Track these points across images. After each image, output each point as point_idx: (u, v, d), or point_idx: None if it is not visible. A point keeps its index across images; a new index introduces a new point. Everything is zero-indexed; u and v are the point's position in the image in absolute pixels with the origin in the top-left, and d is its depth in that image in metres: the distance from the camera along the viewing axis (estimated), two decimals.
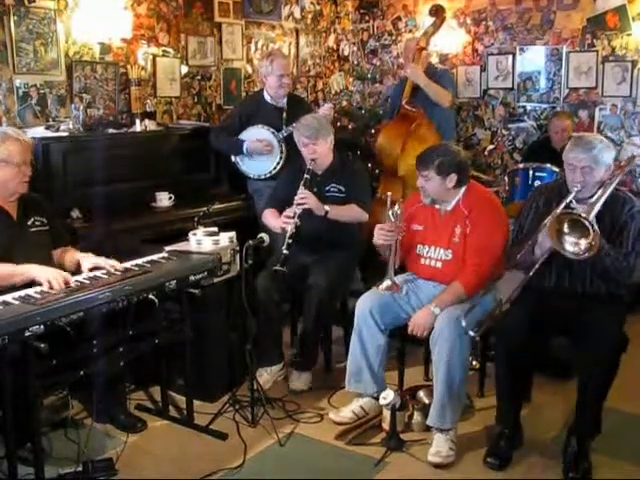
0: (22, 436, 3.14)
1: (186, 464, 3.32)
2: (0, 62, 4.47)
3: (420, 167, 3.57)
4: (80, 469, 3.17)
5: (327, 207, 4.06)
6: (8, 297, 2.92)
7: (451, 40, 6.45)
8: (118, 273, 3.29)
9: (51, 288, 3.02)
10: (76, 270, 3.40)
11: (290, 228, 3.95)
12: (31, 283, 3.10)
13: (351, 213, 4.17)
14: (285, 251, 3.92)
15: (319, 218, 4.09)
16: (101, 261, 3.39)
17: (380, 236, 3.59)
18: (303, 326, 4.03)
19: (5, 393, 2.87)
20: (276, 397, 3.91)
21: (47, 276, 3.07)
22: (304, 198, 4.00)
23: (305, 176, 4.08)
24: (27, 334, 2.68)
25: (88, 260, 3.42)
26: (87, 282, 3.16)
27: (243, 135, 4.89)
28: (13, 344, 2.66)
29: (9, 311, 2.76)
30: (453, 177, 3.53)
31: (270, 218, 4.29)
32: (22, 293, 2.98)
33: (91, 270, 3.34)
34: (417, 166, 3.59)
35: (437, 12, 5.31)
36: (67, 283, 3.07)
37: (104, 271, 3.31)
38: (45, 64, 4.72)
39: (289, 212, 4.02)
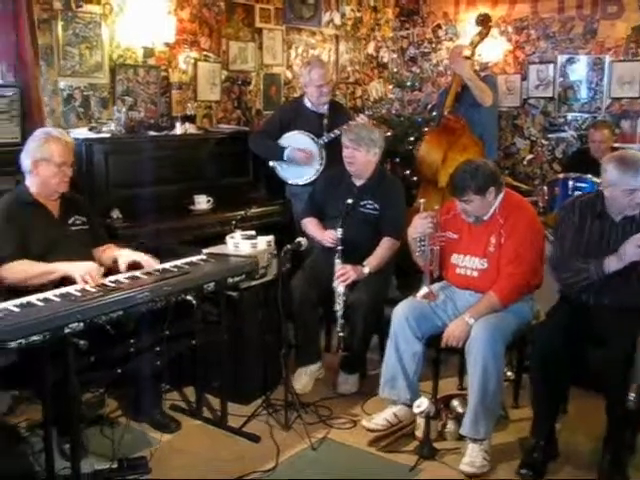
0: (61, 431, 3.22)
1: (219, 465, 3.35)
2: (47, 65, 4.56)
3: (457, 194, 3.53)
4: (115, 466, 3.22)
5: (366, 269, 4.07)
6: (49, 294, 2.98)
7: (492, 48, 6.42)
8: (157, 273, 3.34)
9: (85, 283, 3.08)
10: (114, 267, 3.46)
11: (339, 308, 3.97)
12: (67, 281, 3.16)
13: (386, 253, 4.16)
14: (341, 333, 3.96)
15: (359, 228, 4.13)
16: (138, 257, 3.45)
17: (418, 227, 3.63)
18: (351, 336, 4.03)
19: (45, 388, 2.93)
20: (309, 402, 3.93)
21: (80, 272, 3.12)
22: (344, 275, 3.99)
23: (339, 248, 4.04)
24: (67, 331, 2.73)
25: (125, 257, 3.47)
26: (126, 282, 3.20)
27: (283, 140, 4.91)
28: (53, 340, 2.70)
29: (50, 308, 2.82)
30: (492, 190, 3.52)
31: (313, 229, 4.34)
32: (63, 290, 3.03)
33: (129, 267, 3.39)
34: (453, 194, 3.57)
35: (484, 21, 5.28)
36: (99, 278, 3.13)
37: (143, 271, 3.36)
38: (89, 67, 4.81)
39: (336, 286, 4.00)
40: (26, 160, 3.46)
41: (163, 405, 3.81)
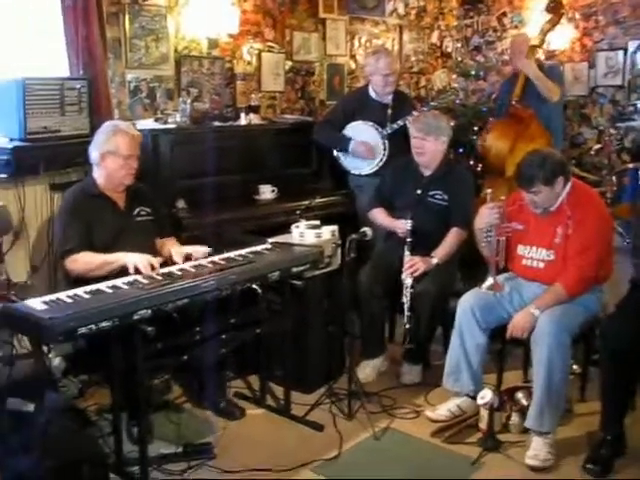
0: (131, 415, 3.29)
1: (282, 452, 3.37)
2: (114, 58, 4.65)
3: (525, 185, 3.47)
4: (180, 450, 3.29)
5: (434, 260, 4.05)
6: (118, 281, 3.05)
7: (559, 36, 6.28)
8: (223, 262, 3.37)
9: (138, 272, 3.14)
10: (171, 260, 3.52)
11: (407, 300, 3.95)
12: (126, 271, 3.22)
13: (454, 244, 4.13)
14: (407, 326, 3.95)
15: (428, 219, 4.11)
16: (190, 249, 3.53)
17: (484, 218, 3.60)
18: (416, 326, 4.00)
19: (114, 373, 2.99)
20: (373, 391, 3.93)
21: (134, 261, 3.19)
22: (412, 266, 3.97)
23: (408, 240, 4.03)
24: (135, 318, 2.78)
25: (179, 250, 3.55)
26: (193, 270, 3.25)
27: (347, 130, 4.90)
28: (122, 327, 2.76)
29: (119, 295, 2.88)
30: (560, 180, 3.45)
31: (383, 218, 4.34)
32: (130, 278, 3.09)
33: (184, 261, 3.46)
34: (521, 185, 3.50)
35: (555, 8, 5.14)
36: (153, 268, 3.18)
37: (209, 260, 3.40)
38: (155, 59, 4.89)
39: (404, 277, 3.99)
40: (94, 152, 3.54)
41: (227, 393, 3.85)
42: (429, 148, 4.17)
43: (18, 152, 3.78)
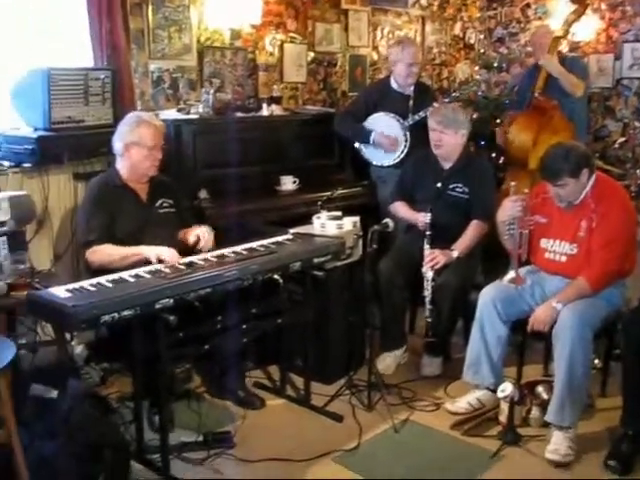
0: (152, 403, 3.32)
1: (301, 442, 3.39)
2: (137, 48, 4.66)
3: (551, 178, 3.44)
4: (201, 439, 3.31)
5: (455, 252, 4.03)
6: (140, 271, 3.07)
7: (583, 27, 6.21)
8: (244, 252, 3.39)
9: (160, 264, 3.17)
10: (194, 246, 3.55)
11: (428, 293, 3.95)
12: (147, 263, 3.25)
13: (474, 237, 4.12)
14: (429, 319, 3.96)
15: (448, 212, 4.11)
16: (198, 230, 3.58)
17: (507, 210, 3.58)
18: (437, 318, 4.00)
19: (136, 362, 3.02)
20: (392, 383, 3.94)
21: (156, 253, 3.22)
22: (433, 260, 3.97)
23: (427, 233, 4.03)
24: (157, 307, 2.80)
25: (192, 232, 3.60)
26: (215, 260, 3.27)
27: (369, 122, 4.89)
28: (144, 315, 2.79)
29: (141, 284, 2.91)
30: (585, 172, 3.42)
31: (404, 211, 4.33)
32: (153, 268, 3.12)
33: (196, 243, 3.53)
34: (546, 179, 3.47)
35: None
36: (175, 260, 3.21)
37: (230, 250, 3.42)
38: (178, 50, 4.90)
39: (425, 271, 3.99)
40: (118, 143, 3.56)
41: (247, 382, 3.87)
42: (447, 141, 4.16)
43: (42, 141, 3.81)
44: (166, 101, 4.86)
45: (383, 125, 4.84)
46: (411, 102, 4.83)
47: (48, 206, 4.06)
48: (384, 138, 4.79)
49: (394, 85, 4.92)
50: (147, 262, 3.22)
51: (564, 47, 6.12)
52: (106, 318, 2.64)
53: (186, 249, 3.51)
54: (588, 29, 6.34)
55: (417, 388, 3.94)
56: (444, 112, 4.21)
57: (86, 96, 4.01)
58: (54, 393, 3.25)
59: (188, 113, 4.64)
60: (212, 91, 4.82)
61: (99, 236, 3.39)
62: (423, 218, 4.08)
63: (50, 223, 4.09)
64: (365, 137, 4.86)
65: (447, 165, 4.25)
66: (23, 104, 3.94)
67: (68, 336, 3.76)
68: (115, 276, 2.98)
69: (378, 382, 3.78)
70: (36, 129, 3.90)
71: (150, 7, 4.68)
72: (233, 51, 5.24)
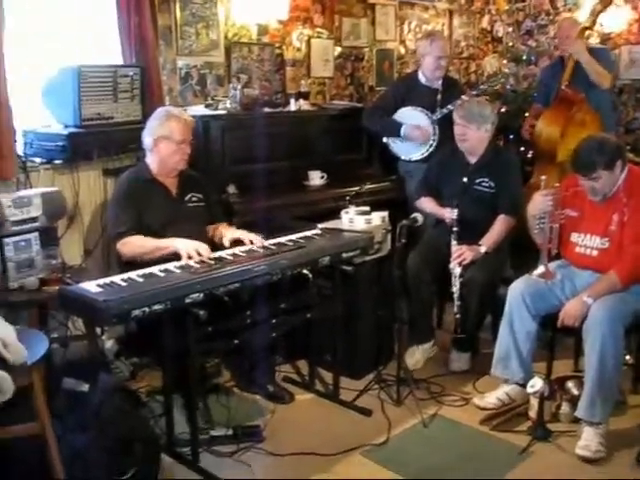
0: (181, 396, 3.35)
1: (330, 437, 3.40)
2: (165, 45, 4.69)
3: (585, 172, 3.40)
4: (230, 433, 3.33)
5: (482, 248, 4.02)
6: (170, 266, 3.10)
7: (614, 17, 6.13)
8: (273, 247, 3.41)
9: (189, 258, 3.17)
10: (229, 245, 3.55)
11: (456, 289, 3.95)
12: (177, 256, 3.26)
13: (502, 232, 4.11)
14: (457, 315, 3.95)
15: (475, 207, 4.10)
16: (241, 234, 3.55)
17: (538, 204, 3.56)
18: (465, 313, 3.99)
19: (165, 356, 3.04)
20: (421, 378, 3.94)
21: (186, 247, 3.22)
22: (460, 256, 3.96)
23: (454, 229, 4.03)
24: (187, 301, 2.83)
25: (230, 233, 3.59)
26: (244, 255, 3.29)
27: (397, 116, 4.88)
28: (174, 310, 2.81)
29: (171, 278, 2.93)
30: (619, 164, 3.39)
31: (430, 206, 4.33)
32: (183, 262, 3.14)
33: (233, 244, 3.50)
34: (580, 172, 3.43)
35: None
36: (205, 255, 3.21)
37: (259, 244, 3.43)
38: (206, 46, 4.92)
39: (453, 267, 3.97)
40: (147, 138, 3.59)
41: (276, 377, 3.89)
42: (471, 135, 4.15)
43: (73, 138, 3.84)
44: (194, 97, 4.89)
45: (411, 119, 4.82)
46: (439, 96, 4.82)
47: (79, 202, 4.11)
48: (416, 130, 4.78)
49: (422, 79, 4.91)
50: (177, 256, 3.24)
51: (595, 38, 6.06)
52: (137, 312, 2.67)
53: (214, 245, 3.52)
54: (619, 20, 6.24)
55: (446, 383, 3.93)
56: (468, 106, 4.19)
57: (115, 93, 4.05)
58: (85, 387, 3.29)
59: (216, 109, 4.66)
60: (240, 87, 4.84)
61: (130, 228, 3.43)
62: (449, 214, 4.07)
63: (80, 219, 4.14)
64: (395, 130, 4.84)
65: (473, 160, 4.23)
66: (54, 102, 3.98)
67: (99, 331, 3.80)
68: (145, 271, 3.01)
69: (407, 377, 3.79)
70: (66, 126, 3.94)
71: (177, 4, 4.70)
72: (260, 47, 5.25)
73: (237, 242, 3.52)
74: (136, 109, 4.17)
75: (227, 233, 3.61)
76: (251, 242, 3.47)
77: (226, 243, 3.52)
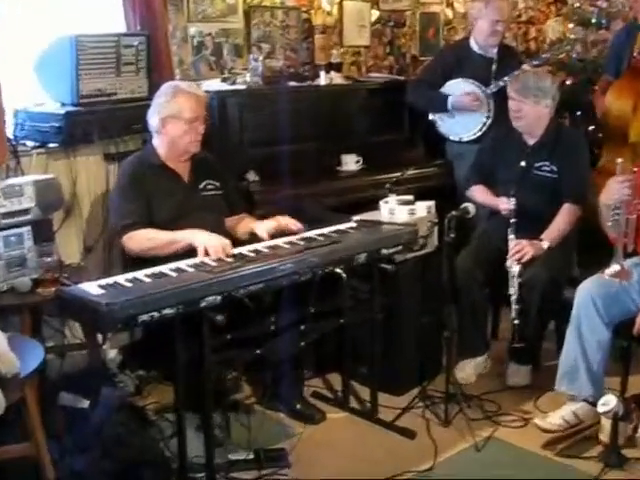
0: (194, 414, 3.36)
1: (368, 462, 3.39)
2: (175, 10, 4.71)
3: None
4: (251, 457, 3.33)
5: (545, 243, 4.00)
6: (182, 264, 3.11)
7: None
8: (301, 242, 3.41)
9: (207, 255, 3.17)
10: (250, 241, 3.55)
11: (514, 291, 3.92)
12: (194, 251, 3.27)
13: (567, 223, 4.09)
14: (516, 321, 3.92)
15: (535, 195, 4.09)
16: (278, 221, 3.56)
17: (613, 193, 3.52)
18: (524, 320, 3.96)
19: (177, 368, 3.06)
20: (473, 394, 3.93)
21: (205, 242, 3.22)
22: (519, 252, 3.93)
23: (512, 221, 4.00)
24: (203, 304, 2.83)
25: (264, 226, 3.56)
26: (267, 251, 3.29)
27: (445, 89, 4.89)
28: (188, 314, 2.82)
29: (184, 279, 2.94)
30: None
31: (483, 197, 4.32)
32: (197, 260, 3.15)
33: (271, 237, 3.48)
34: None
35: None
36: (227, 254, 3.20)
37: (286, 240, 3.44)
38: (221, 10, 4.94)
39: (510, 265, 3.96)
40: (153, 117, 3.60)
41: (304, 393, 3.90)
42: (527, 112, 4.13)
43: (70, 118, 3.88)
44: (209, 70, 4.91)
45: (462, 92, 4.83)
46: (494, 66, 4.82)
47: (77, 191, 4.14)
48: (465, 97, 4.79)
49: (474, 47, 4.90)
50: (191, 252, 3.25)
51: None
52: (144, 318, 2.68)
53: (234, 240, 3.54)
54: None
55: (502, 400, 3.92)
56: (524, 79, 4.18)
57: (118, 66, 4.09)
58: (85, 403, 3.34)
59: (234, 83, 4.68)
60: (261, 58, 4.85)
61: (137, 220, 3.44)
62: (506, 204, 4.05)
63: (79, 210, 4.18)
64: (442, 103, 4.85)
65: (532, 140, 4.22)
66: (48, 77, 4.02)
67: (100, 339, 3.84)
68: (154, 270, 3.02)
69: (456, 393, 3.79)
70: (63, 104, 3.98)
71: None
72: (285, 11, 5.26)
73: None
74: (142, 84, 4.21)
75: (258, 227, 3.58)
76: (290, 231, 3.50)
77: (263, 235, 3.50)
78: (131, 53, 4.13)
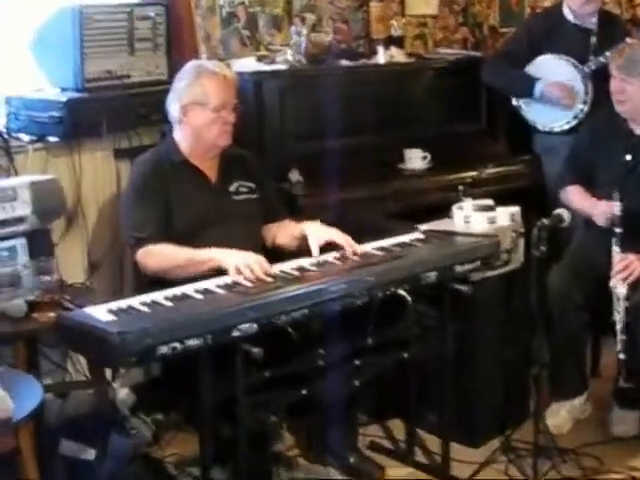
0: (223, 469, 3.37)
1: None
2: None
3: None
4: None
5: None
6: (210, 284, 3.11)
7: None
8: (356, 258, 3.40)
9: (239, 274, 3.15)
10: (298, 249, 3.55)
11: (619, 318, 3.87)
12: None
13: None
14: (621, 355, 3.87)
15: None
16: (334, 235, 3.50)
17: None
18: (632, 353, 3.92)
19: (204, 411, 3.06)
20: (568, 447, 3.89)
21: (236, 262, 3.19)
22: (626, 269, 3.88)
23: (617, 230, 3.94)
24: (235, 334, 2.82)
25: (317, 235, 3.51)
26: (314, 269, 3.29)
27: (532, 67, 4.86)
28: (217, 346, 2.81)
29: (212, 302, 2.95)
30: None
31: (580, 200, 4.28)
32: (228, 279, 3.15)
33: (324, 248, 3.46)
34: None
35: None
36: (264, 271, 3.18)
37: (336, 255, 3.43)
38: None
39: (615, 285, 3.92)
40: (173, 105, 3.61)
41: (359, 443, 3.89)
42: (632, 94, 4.10)
43: (73, 106, 3.92)
44: (241, 46, 4.93)
45: (554, 72, 4.80)
46: (593, 39, 4.79)
47: (81, 195, 4.19)
48: (556, 87, 4.75)
49: (569, 15, 4.87)
50: (219, 271, 3.25)
51: None
52: (164, 350, 2.68)
53: (275, 253, 3.54)
54: None
55: (605, 454, 3.88)
56: (630, 53, 4.14)
57: (131, 42, 4.13)
58: (91, 453, 3.35)
59: (272, 63, 4.71)
60: (305, 31, 4.86)
61: (154, 231, 3.44)
62: (609, 208, 4.01)
63: (84, 219, 4.23)
64: (528, 87, 4.82)
65: (639, 129, 4.19)
66: (47, 56, 4.07)
67: (109, 375, 3.86)
68: (176, 291, 3.03)
69: (548, 445, 3.75)
70: (64, 90, 4.03)
71: None
72: None
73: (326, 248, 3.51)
74: (160, 64, 4.25)
75: (312, 236, 3.50)
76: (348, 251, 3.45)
77: (315, 249, 3.46)
78: (147, 26, 4.16)
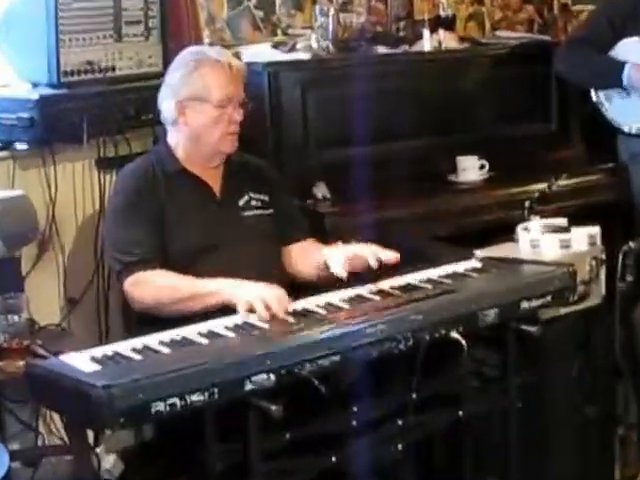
0: None
1: None
2: None
3: None
4: None
5: None
6: (216, 325, 3.10)
7: None
8: (397, 292, 3.39)
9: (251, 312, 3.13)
10: (324, 277, 3.54)
11: None
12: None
13: None
14: None
15: None
16: (357, 248, 3.47)
17: None
18: None
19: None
20: None
21: (248, 297, 3.17)
22: None
23: None
24: (248, 387, 2.80)
25: (338, 257, 3.45)
26: (345, 306, 3.28)
27: (616, 52, 4.87)
28: (226, 402, 2.79)
29: (220, 348, 2.94)
30: None
31: None
32: (238, 320, 3.14)
33: (351, 274, 3.42)
34: None
35: None
36: (283, 309, 3.16)
37: (372, 288, 3.41)
38: None
39: None
40: (167, 101, 3.62)
41: None
42: None
43: (47, 106, 3.93)
44: (253, 30, 4.95)
45: None
46: None
47: (56, 215, 4.19)
48: None
49: None
50: (225, 308, 3.25)
51: None
52: (160, 407, 2.66)
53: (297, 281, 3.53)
54: None
55: None
56: None
57: (118, 27, 4.13)
58: None
59: (292, 50, 4.72)
60: (332, 11, 4.86)
61: (145, 255, 3.45)
62: None
63: (60, 243, 4.23)
64: (614, 75, 4.82)
65: None
66: (15, 45, 4.08)
67: (91, 438, 3.85)
68: (173, 334, 3.02)
69: None
70: (36, 85, 4.04)
71: None
72: None
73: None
74: (153, 53, 4.27)
75: (332, 258, 3.44)
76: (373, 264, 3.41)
77: (339, 271, 3.40)
78: (137, 7, 4.18)
